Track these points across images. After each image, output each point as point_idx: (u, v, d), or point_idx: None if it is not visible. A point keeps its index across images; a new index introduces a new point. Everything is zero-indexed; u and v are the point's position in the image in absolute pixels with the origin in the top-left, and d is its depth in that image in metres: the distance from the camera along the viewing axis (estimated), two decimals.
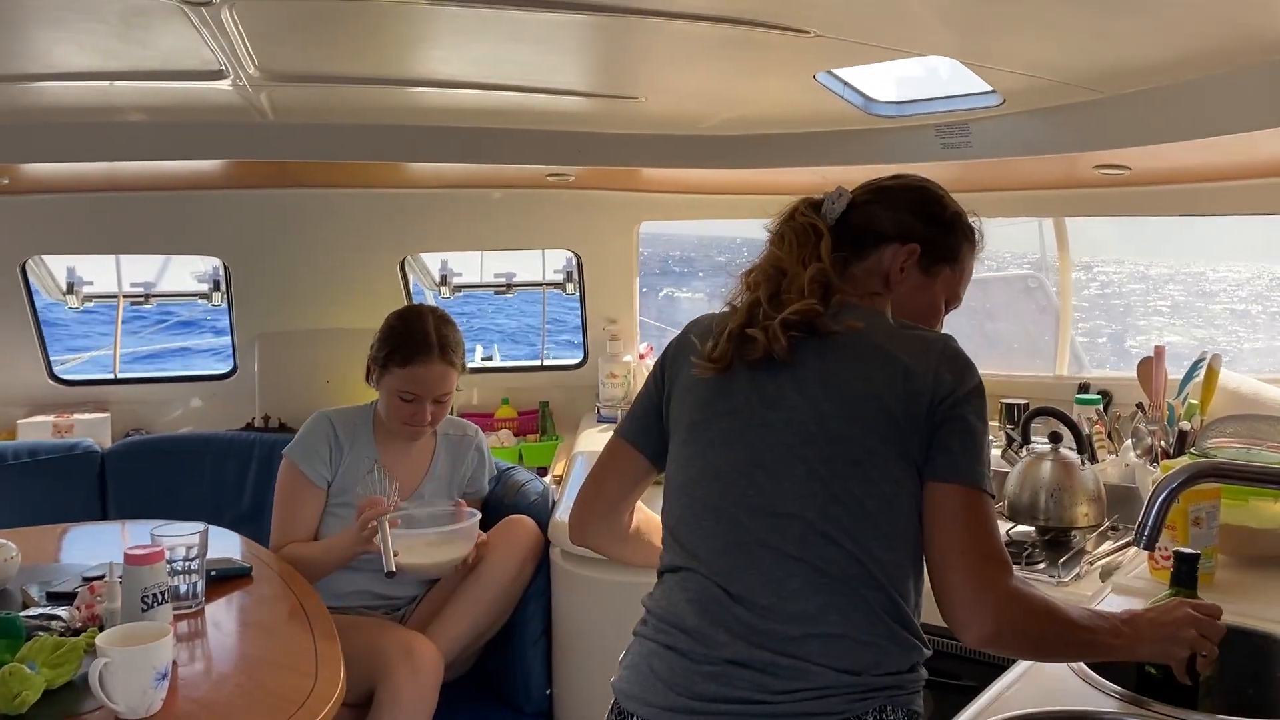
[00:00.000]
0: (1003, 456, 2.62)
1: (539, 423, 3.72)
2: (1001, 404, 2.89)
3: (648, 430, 1.59)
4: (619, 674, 1.51)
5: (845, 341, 1.42)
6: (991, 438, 2.68)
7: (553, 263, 3.94)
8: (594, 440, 3.17)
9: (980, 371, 1.48)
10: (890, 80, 2.39)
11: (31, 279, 3.43)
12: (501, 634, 2.44)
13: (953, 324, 1.65)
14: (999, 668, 1.75)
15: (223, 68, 2.13)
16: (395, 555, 2.17)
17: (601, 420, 3.53)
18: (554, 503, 2.58)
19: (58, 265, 3.64)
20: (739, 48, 1.98)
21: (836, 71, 2.23)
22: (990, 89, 2.21)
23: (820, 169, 2.73)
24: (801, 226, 1.49)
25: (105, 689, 1.51)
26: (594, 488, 1.69)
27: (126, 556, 1.78)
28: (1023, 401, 2.86)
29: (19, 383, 3.48)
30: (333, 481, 2.46)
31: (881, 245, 1.52)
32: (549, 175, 3.13)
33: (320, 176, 3.22)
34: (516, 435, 3.65)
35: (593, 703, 2.26)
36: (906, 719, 1.39)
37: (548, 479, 2.90)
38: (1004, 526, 2.29)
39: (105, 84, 2.27)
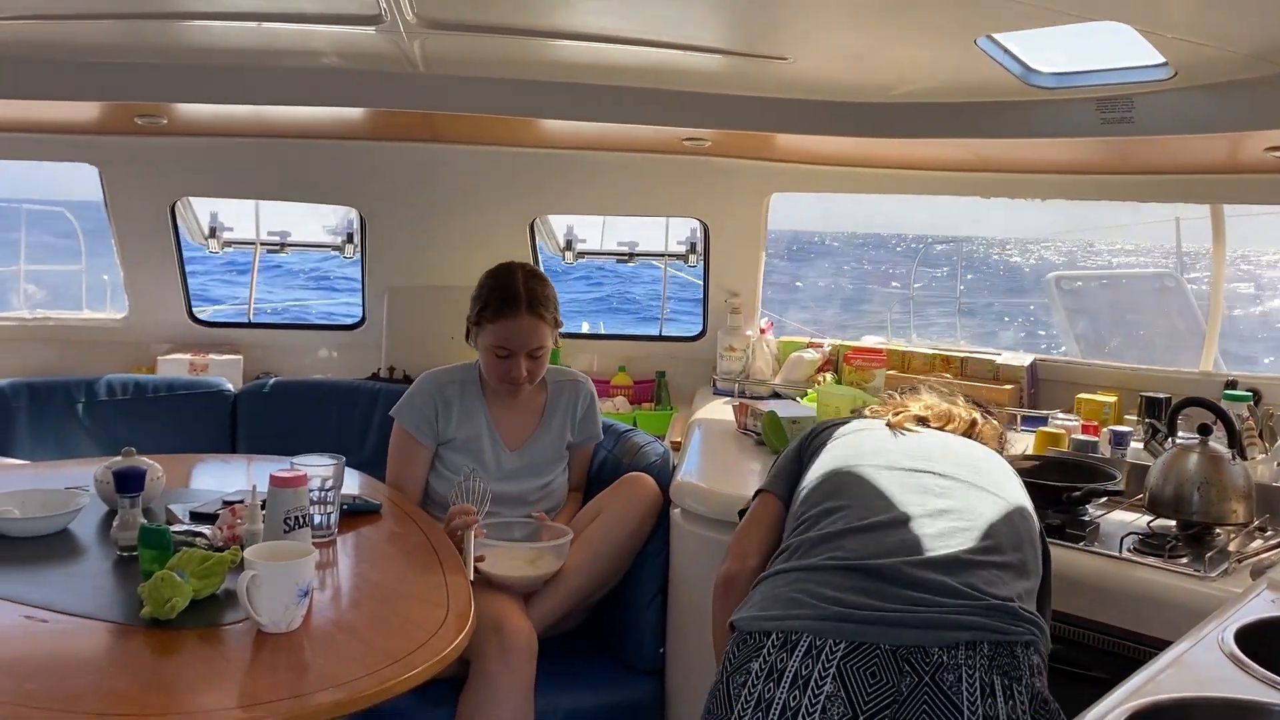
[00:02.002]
0: (1145, 448, 2.51)
1: (655, 392, 3.72)
2: (1142, 397, 2.77)
3: (786, 484, 1.88)
4: (741, 614, 1.54)
5: None
6: (1130, 430, 2.60)
7: (675, 233, 3.94)
8: (714, 411, 3.15)
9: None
10: (1051, 49, 2.31)
11: (179, 221, 3.57)
12: (617, 590, 2.44)
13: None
14: (1133, 661, 1.68)
15: (381, 12, 2.16)
16: (481, 560, 2.18)
17: (718, 393, 3.50)
18: (674, 466, 2.57)
19: (201, 210, 3.78)
20: (900, 8, 1.93)
21: (998, 36, 2.15)
22: (1161, 61, 2.11)
23: (970, 142, 2.65)
24: None
25: (251, 601, 1.55)
26: (743, 543, 1.86)
27: (272, 479, 1.84)
28: (1165, 396, 2.74)
29: (162, 321, 3.63)
30: (441, 440, 2.50)
31: None
32: (685, 139, 3.11)
33: (461, 132, 3.26)
34: (632, 403, 3.66)
35: (706, 662, 2.25)
36: (1038, 673, 1.44)
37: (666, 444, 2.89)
38: (1144, 519, 2.20)
39: (257, 25, 2.32)
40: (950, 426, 1.94)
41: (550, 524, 2.41)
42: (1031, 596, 1.56)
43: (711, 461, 2.63)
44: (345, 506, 2.18)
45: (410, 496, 2.46)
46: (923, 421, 1.94)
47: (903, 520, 1.62)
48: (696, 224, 3.73)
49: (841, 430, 1.92)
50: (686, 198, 3.55)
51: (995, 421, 2.07)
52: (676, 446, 2.86)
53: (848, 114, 2.70)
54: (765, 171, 3.41)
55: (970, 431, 1.95)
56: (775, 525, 1.85)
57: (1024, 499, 1.75)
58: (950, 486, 1.70)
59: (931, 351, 3.40)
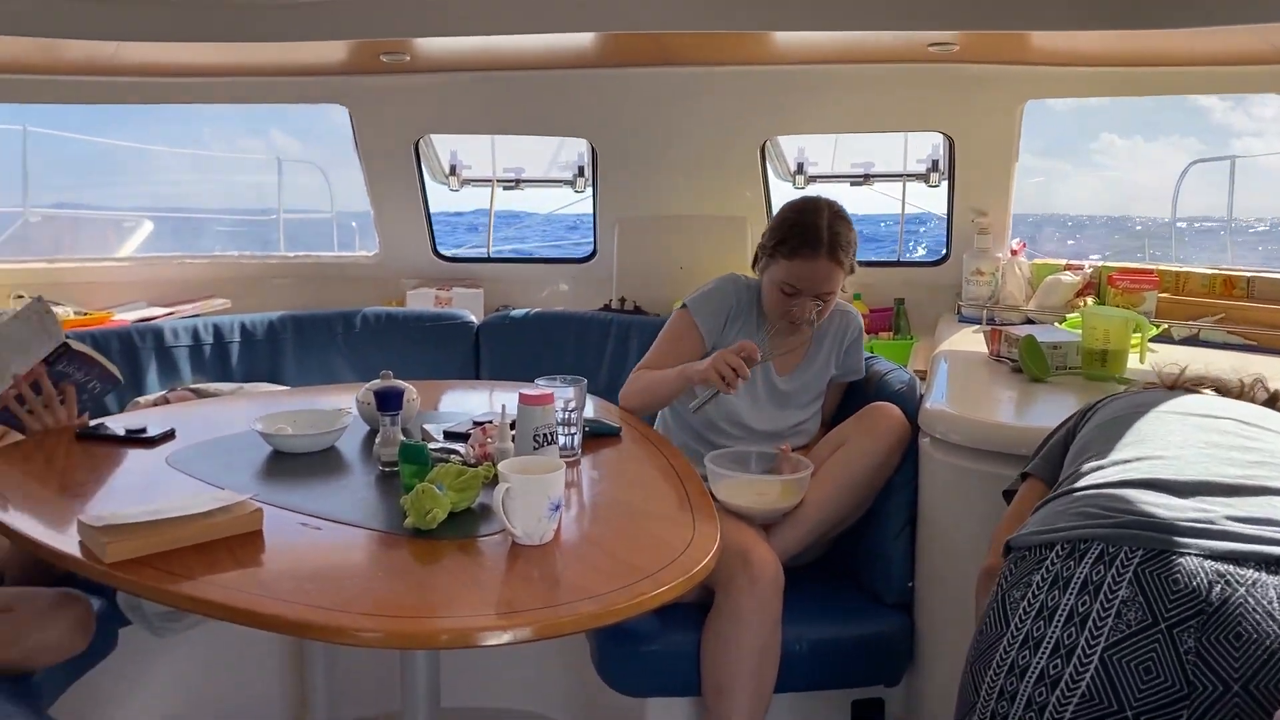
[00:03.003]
0: None
1: (893, 321, 3.56)
2: None
3: (1055, 466, 1.69)
4: (1019, 533, 1.44)
5: None
6: None
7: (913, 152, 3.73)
8: (961, 341, 2.98)
9: None
10: None
11: (422, 160, 3.69)
12: (863, 521, 2.35)
13: None
14: None
15: None
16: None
17: (963, 320, 3.31)
18: (921, 394, 2.44)
19: (442, 149, 3.90)
20: None
21: None
22: None
23: (1266, 28, 2.32)
24: None
25: (507, 512, 1.57)
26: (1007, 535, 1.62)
27: (521, 397, 1.86)
28: None
29: (409, 257, 3.80)
30: (717, 342, 2.46)
31: None
32: (930, 45, 2.90)
33: (692, 52, 3.18)
34: (868, 333, 3.51)
35: (958, 596, 2.13)
36: None
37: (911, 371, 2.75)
38: None
39: None
40: (1244, 399, 1.73)
41: (790, 455, 2.34)
42: None
43: (962, 389, 2.47)
44: (586, 429, 2.19)
45: None
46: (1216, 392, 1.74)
47: (1205, 453, 1.44)
48: (938, 143, 3.51)
49: (1115, 396, 1.76)
50: (930, 110, 3.33)
51: None
52: (921, 376, 2.72)
53: (1114, 3, 2.41)
54: (1019, 77, 3.14)
55: (1272, 404, 1.72)
56: None
57: None
58: (1256, 434, 1.50)
59: (1210, 272, 3.06)
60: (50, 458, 2.11)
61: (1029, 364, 2.44)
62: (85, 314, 3.39)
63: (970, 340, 2.95)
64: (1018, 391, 2.40)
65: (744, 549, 2.09)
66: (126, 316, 3.40)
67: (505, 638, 1.38)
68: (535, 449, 1.84)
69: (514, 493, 1.56)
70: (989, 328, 2.82)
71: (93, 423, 2.28)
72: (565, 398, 2.05)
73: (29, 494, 1.92)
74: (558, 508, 1.61)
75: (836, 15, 2.65)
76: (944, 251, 3.56)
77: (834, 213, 2.38)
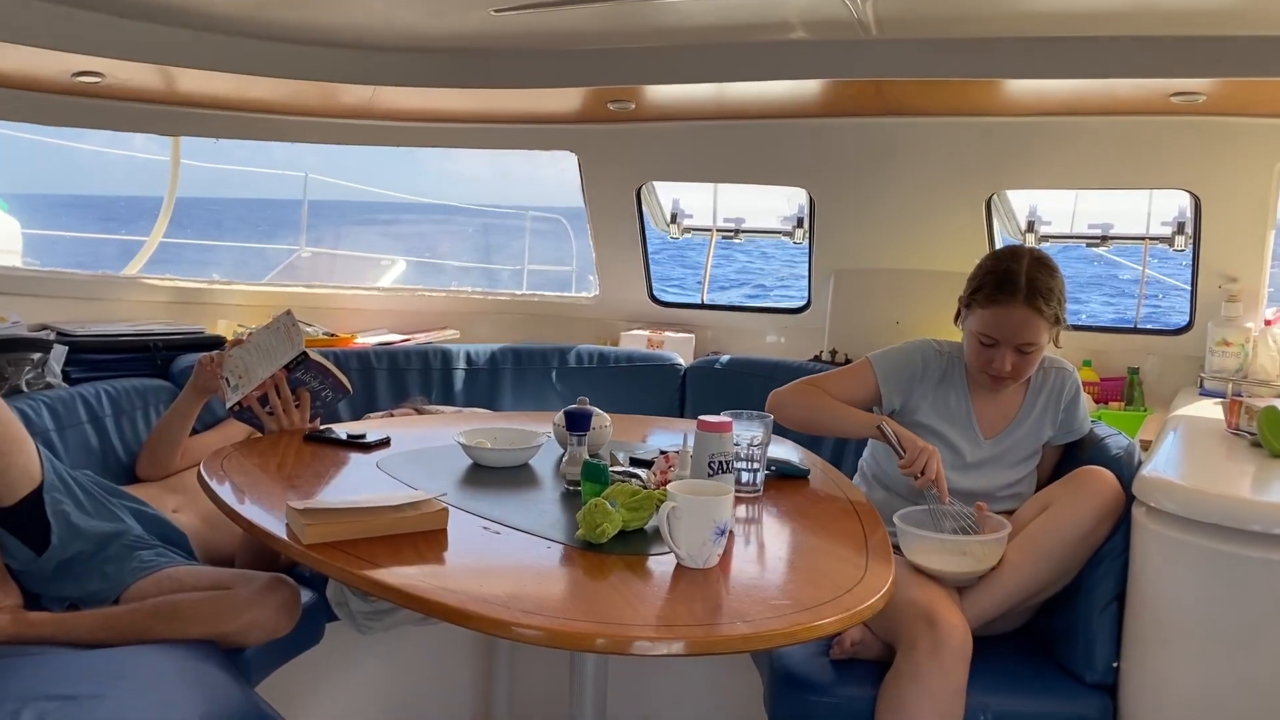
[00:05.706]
0: None
1: (1125, 391, 3.32)
2: None
3: None
4: None
5: None
6: None
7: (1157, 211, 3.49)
8: (1198, 412, 2.74)
9: None
10: None
11: (643, 207, 3.82)
12: (1065, 592, 2.19)
13: None
14: None
15: None
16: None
17: (1205, 394, 3.05)
18: (1139, 461, 2.26)
19: (664, 197, 4.01)
20: None
21: None
22: None
23: None
24: None
25: (671, 532, 1.58)
26: None
27: (699, 423, 1.89)
28: None
29: (626, 299, 3.92)
30: (911, 413, 2.39)
31: None
32: (1173, 95, 2.73)
33: (915, 102, 3.14)
34: (1097, 402, 3.30)
35: (1170, 683, 1.96)
36: None
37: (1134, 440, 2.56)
38: None
39: None
40: None
41: (988, 514, 2.22)
42: None
43: (1189, 458, 2.28)
44: (773, 469, 2.18)
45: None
46: None
47: None
48: (1185, 204, 3.27)
49: None
50: (1173, 166, 3.11)
51: None
52: (1145, 446, 2.53)
53: None
54: (1277, 131, 2.89)
55: None
56: None
57: None
58: None
59: None
60: (281, 455, 2.32)
61: (1268, 437, 2.22)
62: (333, 335, 3.70)
63: (1208, 411, 2.71)
64: (1254, 466, 2.19)
65: (931, 610, 1.99)
66: (369, 340, 3.68)
67: (659, 649, 1.40)
68: (709, 475, 1.84)
69: (679, 513, 1.58)
70: (1231, 398, 2.58)
71: (321, 427, 2.49)
72: (751, 434, 2.05)
73: (257, 485, 2.11)
74: (723, 532, 1.61)
75: (1068, 62, 2.56)
76: (1187, 319, 3.30)
77: (1034, 259, 2.29)
